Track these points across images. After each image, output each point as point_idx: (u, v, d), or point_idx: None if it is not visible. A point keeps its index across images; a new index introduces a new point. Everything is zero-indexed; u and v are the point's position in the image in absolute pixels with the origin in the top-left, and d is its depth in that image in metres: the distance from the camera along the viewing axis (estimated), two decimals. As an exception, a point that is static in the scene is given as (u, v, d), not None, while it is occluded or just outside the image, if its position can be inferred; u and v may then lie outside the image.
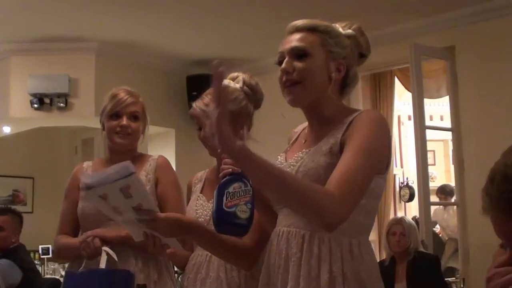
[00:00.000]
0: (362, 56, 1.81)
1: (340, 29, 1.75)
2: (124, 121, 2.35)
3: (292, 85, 1.69)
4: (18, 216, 4.09)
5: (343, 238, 1.62)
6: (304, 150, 1.71)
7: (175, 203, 2.31)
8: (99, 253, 2.16)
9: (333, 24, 1.76)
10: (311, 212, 1.52)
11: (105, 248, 2.17)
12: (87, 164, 2.54)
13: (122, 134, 2.36)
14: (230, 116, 1.94)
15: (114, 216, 1.87)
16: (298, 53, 1.68)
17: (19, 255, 3.95)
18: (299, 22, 1.73)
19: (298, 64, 1.68)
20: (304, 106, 1.75)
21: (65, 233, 2.43)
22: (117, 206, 1.79)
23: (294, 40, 1.70)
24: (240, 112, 2.05)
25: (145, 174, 2.38)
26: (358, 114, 1.66)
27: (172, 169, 2.46)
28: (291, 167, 1.69)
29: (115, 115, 2.36)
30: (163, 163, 2.43)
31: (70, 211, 2.45)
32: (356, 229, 1.65)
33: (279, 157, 1.82)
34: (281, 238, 1.68)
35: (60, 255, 2.48)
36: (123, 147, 2.39)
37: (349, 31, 1.76)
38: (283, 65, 1.69)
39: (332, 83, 1.69)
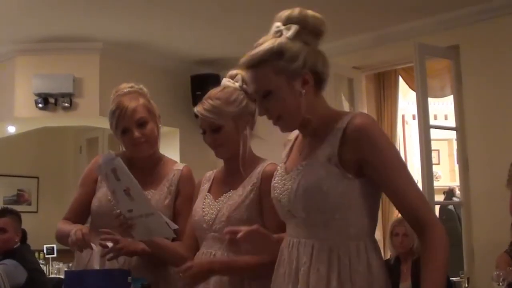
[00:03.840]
0: (318, 34, 1.72)
1: (289, 32, 1.68)
2: (135, 133, 2.27)
3: (275, 121, 1.72)
4: (17, 216, 4.07)
5: (350, 243, 1.65)
6: (302, 162, 1.72)
7: (188, 218, 2.25)
8: (87, 246, 2.12)
9: (276, 29, 1.71)
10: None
11: (93, 245, 2.17)
12: None
13: (137, 145, 2.29)
14: (232, 119, 2.00)
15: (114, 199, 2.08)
16: (261, 94, 1.69)
17: (23, 255, 3.93)
18: (244, 61, 1.71)
19: (267, 104, 1.69)
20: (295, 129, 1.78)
21: (68, 219, 2.38)
22: (114, 189, 2.02)
23: (252, 82, 1.72)
24: (242, 113, 2.09)
25: (167, 185, 2.32)
26: (349, 121, 1.65)
27: (194, 181, 2.36)
28: (293, 179, 1.71)
29: (123, 130, 2.29)
30: (188, 176, 2.35)
31: (80, 201, 2.41)
32: (363, 231, 1.68)
33: (279, 168, 1.83)
34: (291, 249, 1.71)
35: (57, 238, 2.39)
36: (144, 154, 2.34)
37: (293, 28, 1.69)
38: (258, 109, 1.77)
39: (304, 96, 1.67)
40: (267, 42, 1.68)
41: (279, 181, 1.77)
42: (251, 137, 2.14)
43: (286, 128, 1.75)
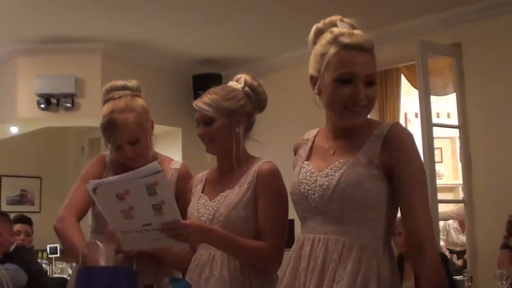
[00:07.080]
0: None
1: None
2: (127, 152, 2.25)
3: (362, 109, 1.73)
4: (6, 216, 4.03)
5: (379, 244, 1.70)
6: (341, 160, 1.74)
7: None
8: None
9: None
10: None
11: (99, 243, 2.15)
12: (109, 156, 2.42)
13: (131, 160, 2.26)
14: (226, 115, 2.00)
15: (118, 221, 1.89)
16: (369, 80, 1.72)
17: (22, 257, 3.90)
18: (363, 40, 1.74)
19: (368, 92, 1.72)
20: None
21: (71, 214, 2.28)
22: (134, 205, 1.84)
23: (365, 65, 1.71)
24: (236, 111, 2.11)
25: None
26: (390, 130, 1.72)
27: (192, 178, 2.34)
28: (329, 176, 1.72)
29: (116, 148, 2.27)
30: (186, 174, 2.35)
31: (83, 198, 2.27)
32: (388, 235, 1.75)
33: (305, 165, 1.82)
34: (317, 245, 1.72)
35: (60, 239, 2.26)
36: (138, 167, 2.31)
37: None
38: (358, 91, 1.70)
39: None
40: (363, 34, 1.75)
41: (309, 177, 1.77)
42: (246, 138, 2.15)
43: (359, 120, 1.75)
